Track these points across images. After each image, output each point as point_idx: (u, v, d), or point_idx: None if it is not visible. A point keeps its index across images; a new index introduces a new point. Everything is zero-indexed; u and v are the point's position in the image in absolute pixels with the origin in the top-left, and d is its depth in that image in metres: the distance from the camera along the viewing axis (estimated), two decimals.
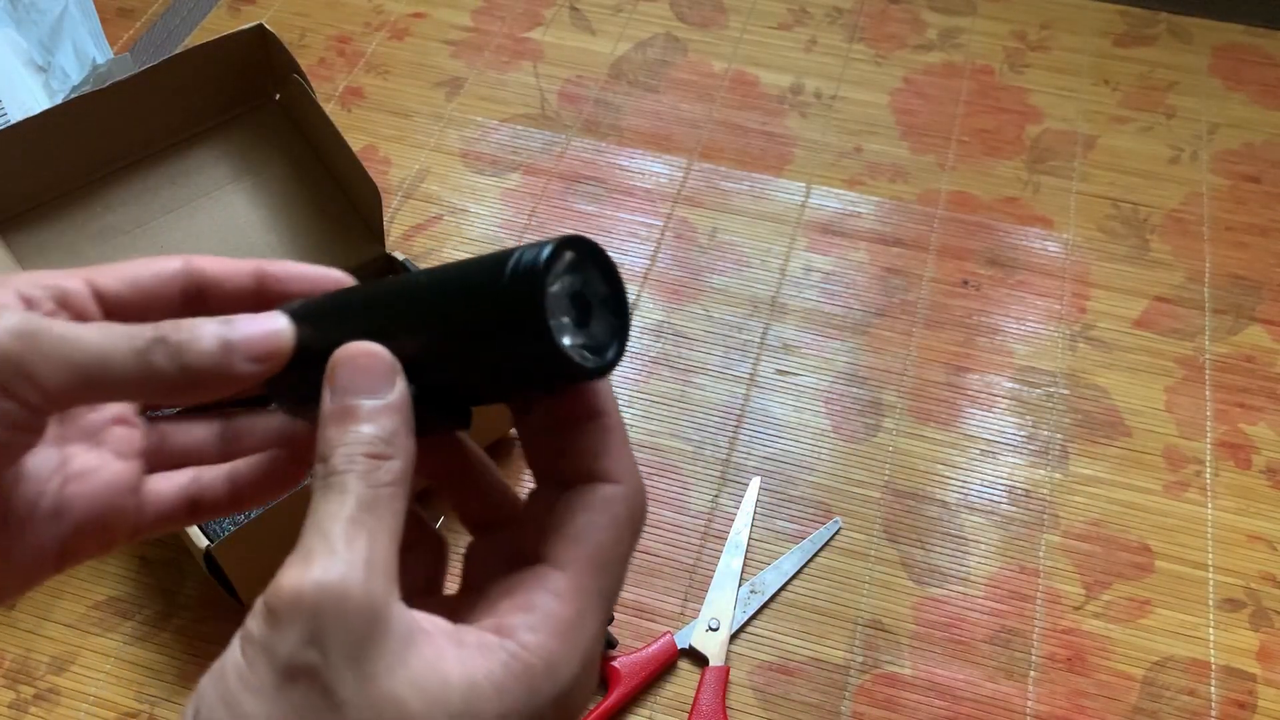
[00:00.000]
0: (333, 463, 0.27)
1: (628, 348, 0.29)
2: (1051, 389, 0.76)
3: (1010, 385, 0.76)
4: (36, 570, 0.31)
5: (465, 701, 0.24)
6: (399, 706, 0.24)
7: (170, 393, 0.29)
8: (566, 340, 0.27)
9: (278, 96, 0.73)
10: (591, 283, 0.28)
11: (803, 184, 0.88)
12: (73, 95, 0.78)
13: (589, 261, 0.28)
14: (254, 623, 0.25)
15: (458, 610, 0.28)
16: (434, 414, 0.29)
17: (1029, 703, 0.63)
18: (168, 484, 0.33)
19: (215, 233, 0.70)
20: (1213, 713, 0.62)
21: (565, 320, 0.28)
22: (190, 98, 0.69)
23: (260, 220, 0.71)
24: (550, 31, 1.00)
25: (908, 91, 0.95)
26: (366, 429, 0.27)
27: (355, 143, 0.87)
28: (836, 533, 0.69)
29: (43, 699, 0.62)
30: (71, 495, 0.31)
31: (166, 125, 0.70)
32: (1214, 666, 0.64)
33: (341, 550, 0.25)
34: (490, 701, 0.25)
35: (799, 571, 0.67)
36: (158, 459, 0.34)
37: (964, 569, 0.68)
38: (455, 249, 0.84)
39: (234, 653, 0.25)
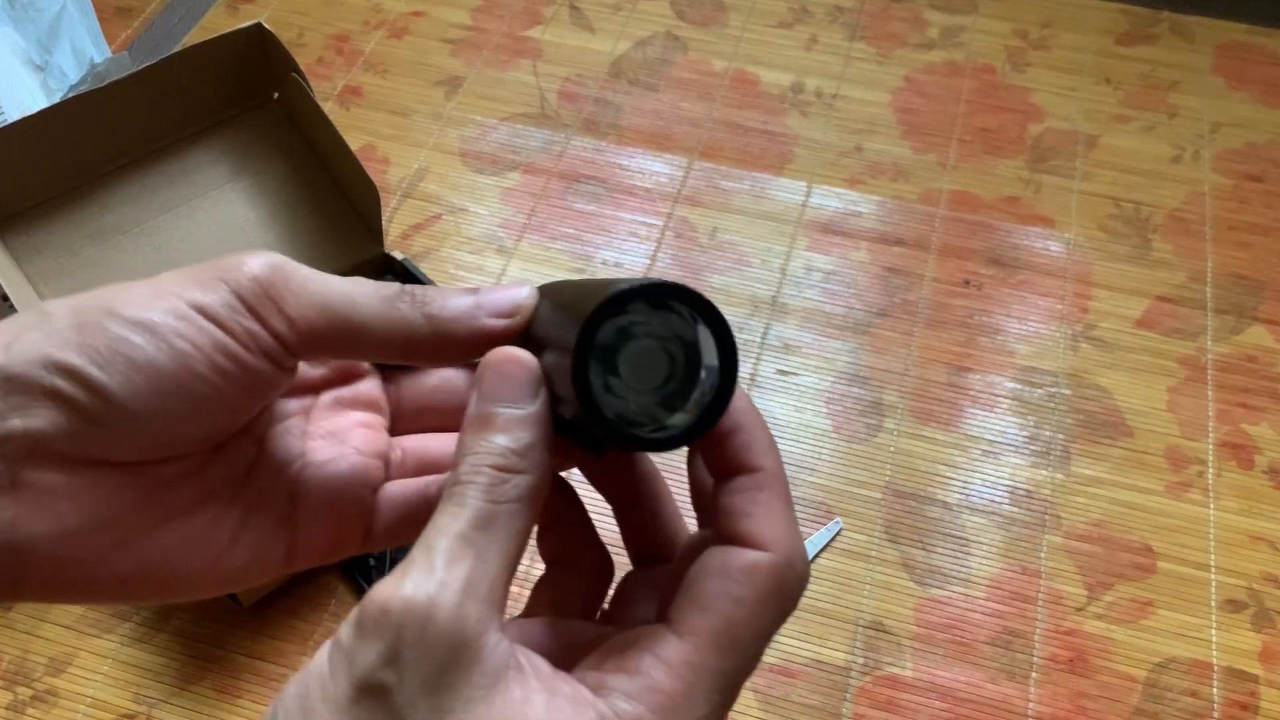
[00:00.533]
0: (459, 471, 0.25)
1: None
2: (1053, 389, 0.76)
3: (1012, 385, 0.76)
4: (263, 558, 0.30)
5: None
6: None
7: (415, 344, 0.28)
8: (624, 400, 0.25)
9: (276, 95, 0.72)
10: (695, 342, 0.25)
11: (803, 183, 0.88)
12: (70, 94, 0.77)
13: (698, 317, 0.25)
14: (345, 630, 0.24)
15: (588, 645, 0.26)
16: (569, 432, 0.27)
17: (1030, 704, 0.62)
18: (406, 487, 0.32)
19: (214, 232, 0.69)
20: (1215, 714, 0.62)
21: (622, 372, 0.25)
22: (188, 97, 0.69)
23: (259, 220, 0.71)
24: (550, 30, 1.00)
25: (909, 90, 0.95)
26: (500, 439, 0.25)
27: (354, 142, 0.87)
28: (837, 534, 0.69)
29: (40, 700, 0.62)
30: (308, 479, 0.31)
31: (164, 124, 0.69)
32: (1216, 668, 0.64)
33: (440, 569, 0.23)
34: None
35: None
36: (401, 469, 0.32)
37: (965, 570, 0.67)
38: (454, 249, 0.84)
39: (321, 656, 0.24)
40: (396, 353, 0.28)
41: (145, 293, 0.27)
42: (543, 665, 0.24)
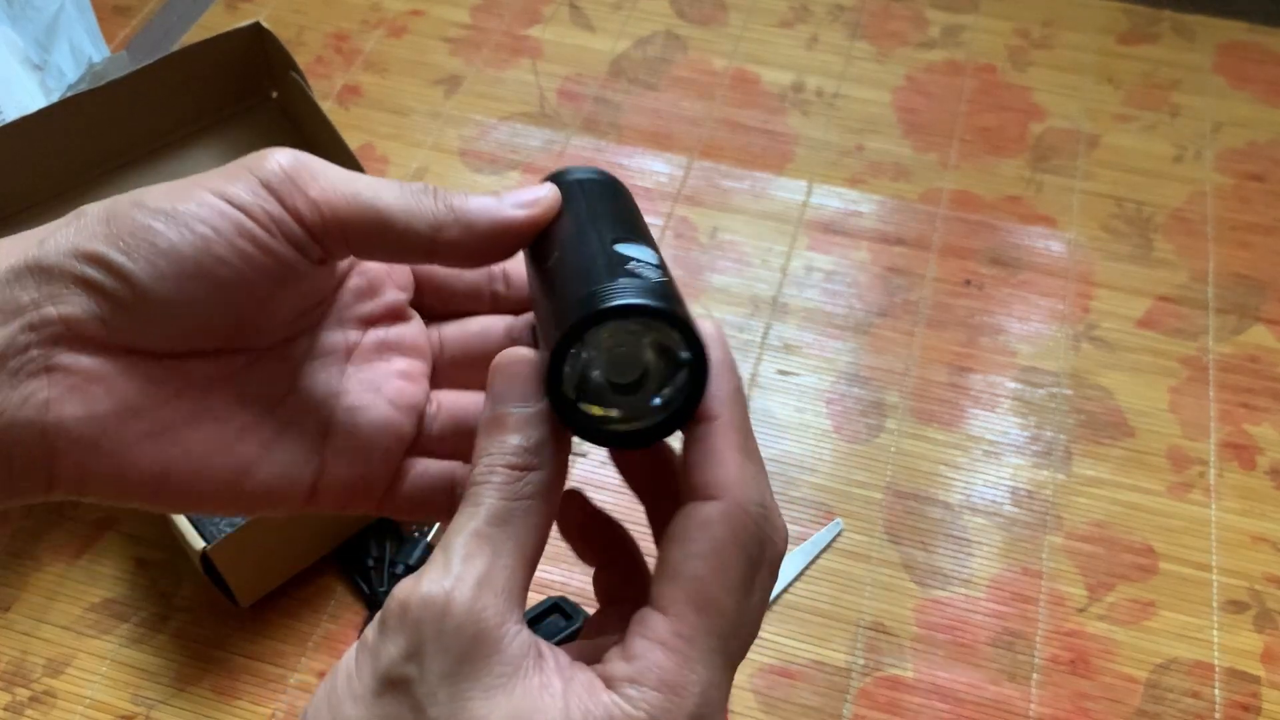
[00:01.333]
0: (475, 472, 0.26)
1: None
2: (1055, 389, 0.76)
3: (1013, 385, 0.76)
4: (289, 482, 0.30)
5: None
6: None
7: (440, 234, 0.28)
8: (597, 394, 0.26)
9: (275, 95, 0.72)
10: (674, 354, 0.26)
11: (804, 183, 0.88)
12: (69, 94, 0.77)
13: (678, 331, 0.26)
14: (370, 629, 0.25)
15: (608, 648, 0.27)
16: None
17: (1032, 705, 0.62)
18: (434, 467, 0.33)
19: None
20: (1216, 715, 0.62)
21: (598, 367, 0.26)
22: (187, 96, 0.69)
23: None
24: (549, 29, 1.00)
25: (910, 89, 0.95)
26: (512, 439, 0.26)
27: (353, 141, 0.86)
28: (838, 534, 0.69)
29: (39, 701, 0.62)
30: (340, 418, 0.31)
31: (163, 124, 0.69)
32: (1218, 669, 0.64)
33: (456, 565, 0.25)
34: None
35: (801, 573, 0.67)
36: (434, 424, 0.33)
37: (966, 571, 0.67)
38: None
39: (349, 655, 0.25)
40: (422, 245, 0.29)
41: (174, 186, 0.28)
42: (562, 656, 0.25)
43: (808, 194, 0.87)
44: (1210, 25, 1.00)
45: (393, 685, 0.24)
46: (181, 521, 0.60)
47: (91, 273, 0.26)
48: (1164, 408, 0.75)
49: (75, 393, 0.26)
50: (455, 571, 0.25)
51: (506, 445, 0.26)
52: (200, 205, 0.27)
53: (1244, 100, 0.94)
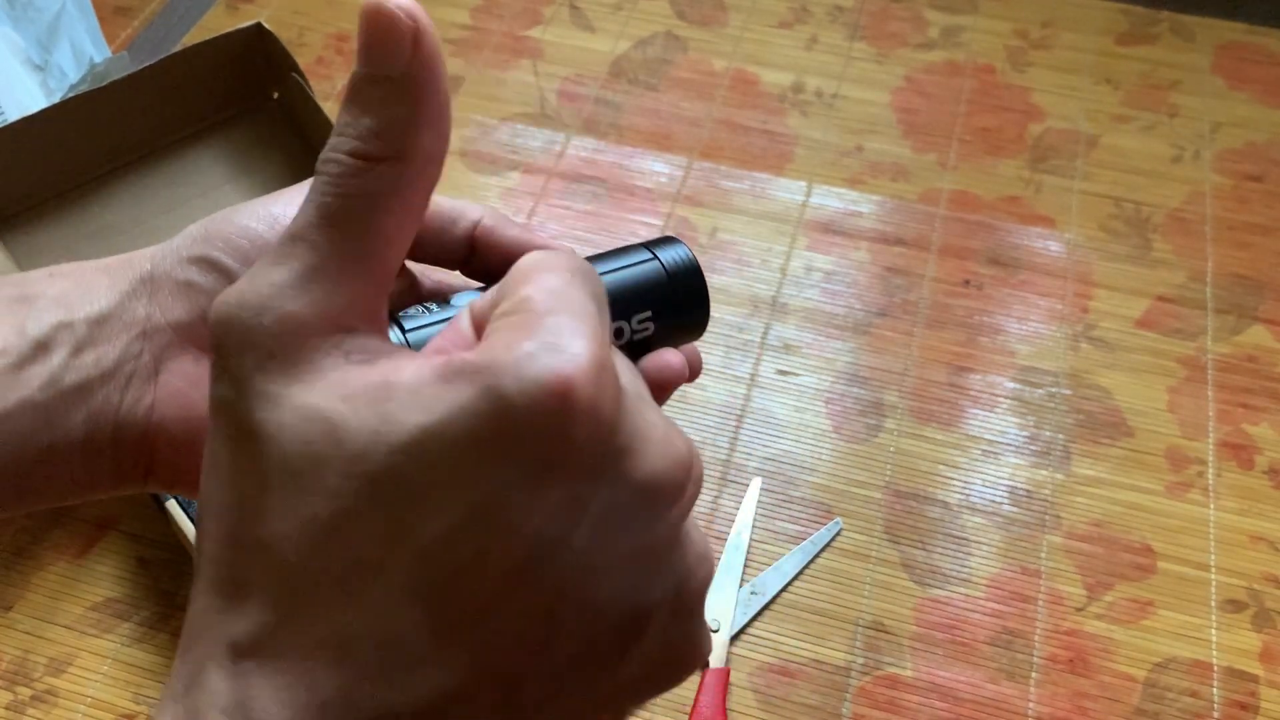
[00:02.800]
0: (318, 163, 0.22)
1: None
2: (1053, 389, 0.76)
3: (1012, 385, 0.76)
4: None
5: (409, 394, 0.20)
6: (322, 417, 0.20)
7: (478, 216, 0.32)
8: None
9: (276, 95, 0.72)
10: None
11: (804, 183, 0.88)
12: (70, 94, 0.77)
13: None
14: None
15: None
16: None
17: (1030, 704, 0.62)
18: None
19: None
20: (1215, 714, 0.62)
21: None
22: (188, 96, 0.69)
23: None
24: (550, 30, 1.00)
25: (909, 90, 0.95)
26: (364, 121, 0.21)
27: None
28: (837, 534, 0.69)
29: (40, 700, 0.62)
30: None
31: (164, 124, 0.69)
32: (1216, 668, 0.64)
33: (264, 270, 0.21)
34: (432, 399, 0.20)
35: (800, 573, 0.67)
36: None
37: (965, 570, 0.67)
38: None
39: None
40: (461, 234, 0.31)
41: (265, 197, 0.31)
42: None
43: (807, 194, 0.87)
44: (1209, 26, 1.00)
45: (215, 413, 0.21)
46: (183, 520, 0.60)
47: (194, 276, 0.29)
48: (1162, 407, 0.75)
49: (176, 398, 0.29)
50: (262, 276, 0.21)
51: (355, 127, 0.21)
52: (289, 205, 0.30)
53: (1242, 101, 0.94)
